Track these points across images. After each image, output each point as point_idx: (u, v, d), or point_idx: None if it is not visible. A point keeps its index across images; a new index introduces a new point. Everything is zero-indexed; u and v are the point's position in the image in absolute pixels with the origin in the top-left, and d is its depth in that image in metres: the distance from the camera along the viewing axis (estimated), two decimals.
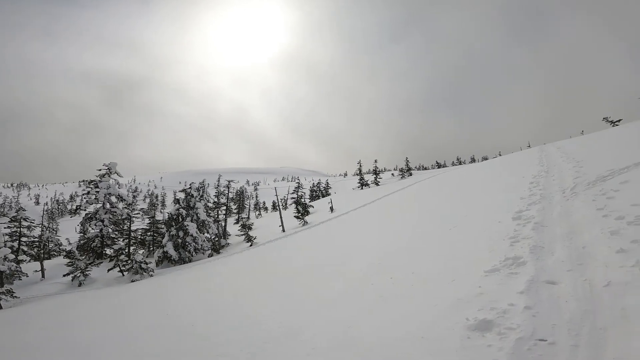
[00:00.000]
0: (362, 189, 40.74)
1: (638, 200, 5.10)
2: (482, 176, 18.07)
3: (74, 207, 24.73)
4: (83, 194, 23.69)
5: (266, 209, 67.12)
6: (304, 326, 4.97)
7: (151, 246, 25.64)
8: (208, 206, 28.47)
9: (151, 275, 17.56)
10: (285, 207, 49.99)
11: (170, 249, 20.81)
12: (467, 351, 3.00)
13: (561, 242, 4.77)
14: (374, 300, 5.16)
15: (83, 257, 19.68)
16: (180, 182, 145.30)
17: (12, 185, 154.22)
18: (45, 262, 21.39)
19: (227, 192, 31.72)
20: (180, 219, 22.25)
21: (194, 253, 21.39)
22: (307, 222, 23.91)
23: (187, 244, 21.29)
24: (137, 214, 26.13)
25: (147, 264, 17.83)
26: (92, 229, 23.35)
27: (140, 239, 25.80)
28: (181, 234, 21.32)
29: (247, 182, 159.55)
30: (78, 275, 17.82)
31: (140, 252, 24.56)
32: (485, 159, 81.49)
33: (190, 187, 23.99)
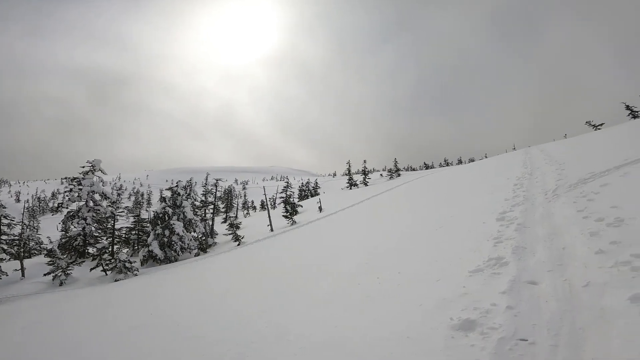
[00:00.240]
0: (350, 189, 40.88)
1: (617, 203, 5.23)
2: (468, 177, 18.36)
3: (56, 205, 24.03)
4: (65, 192, 23.06)
5: (255, 208, 66.77)
6: (292, 326, 4.95)
7: (136, 245, 25.17)
8: (195, 205, 28.11)
9: (135, 275, 17.24)
10: (274, 207, 49.78)
11: (155, 248, 20.46)
12: (451, 351, 3.03)
13: (542, 243, 4.88)
14: (361, 300, 5.18)
15: (64, 256, 19.17)
16: (167, 180, 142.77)
17: None
18: (26, 261, 20.77)
19: (215, 190, 31.38)
20: (167, 218, 21.90)
21: (180, 252, 21.09)
22: (295, 222, 23.86)
23: (173, 243, 20.97)
24: (121, 212, 25.59)
25: (131, 263, 17.51)
26: (75, 227, 22.77)
27: (124, 237, 25.30)
28: (167, 232, 20.99)
29: (236, 180, 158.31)
30: (59, 274, 17.38)
31: (125, 251, 24.09)
32: (472, 160, 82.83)
33: (177, 185, 23.63)
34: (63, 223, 23.93)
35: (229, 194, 57.49)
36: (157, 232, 21.09)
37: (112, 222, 23.87)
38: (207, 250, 23.40)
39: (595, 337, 2.67)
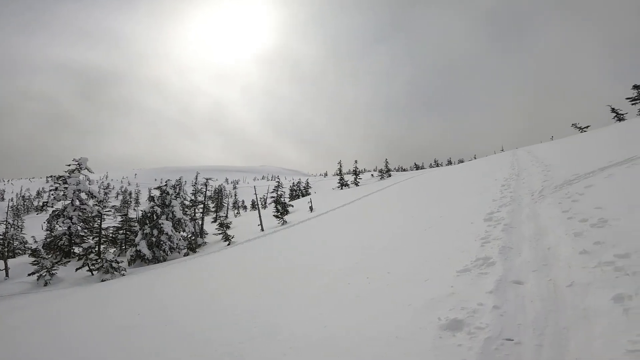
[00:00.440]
0: (342, 189, 40.96)
1: (601, 204, 5.34)
2: (458, 178, 18.56)
3: (41, 204, 23.50)
4: (51, 190, 22.56)
5: (245, 207, 66.38)
6: (281, 325, 4.93)
7: (123, 245, 24.78)
8: (185, 204, 27.82)
9: (123, 275, 16.98)
10: (265, 206, 49.56)
11: (143, 247, 20.17)
12: (439, 351, 3.05)
13: (528, 243, 4.95)
14: (351, 300, 5.18)
15: (49, 256, 18.76)
16: (156, 179, 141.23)
17: None
18: (10, 261, 20.29)
19: (205, 190, 31.09)
20: (155, 217, 21.61)
21: (169, 252, 20.83)
22: (286, 222, 23.80)
23: (161, 242, 20.71)
24: (108, 211, 25.15)
25: (118, 263, 17.23)
26: (60, 226, 22.30)
27: (111, 237, 24.89)
28: (155, 232, 20.71)
29: (226, 180, 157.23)
30: (44, 274, 17.02)
31: (112, 250, 23.72)
32: (461, 161, 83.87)
33: (166, 185, 23.35)
34: (48, 222, 23.45)
35: (219, 194, 57.07)
36: (145, 231, 20.79)
37: (99, 221, 23.49)
38: (197, 250, 23.18)
39: (579, 337, 2.70)
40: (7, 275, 18.37)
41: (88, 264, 17.78)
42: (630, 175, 6.57)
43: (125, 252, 23.16)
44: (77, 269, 17.88)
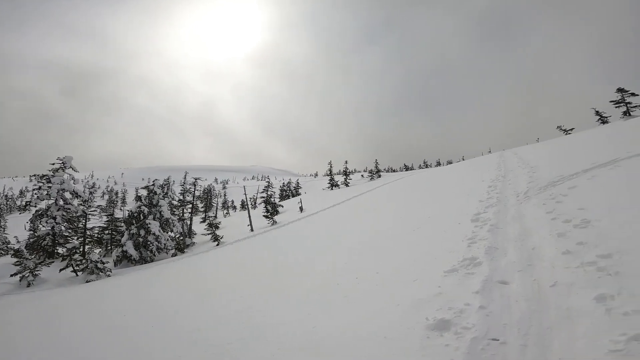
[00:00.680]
0: (332, 189, 41.03)
1: (584, 205, 5.46)
2: (446, 179, 18.78)
3: (24, 203, 22.90)
4: (34, 189, 21.98)
5: (235, 208, 65.85)
6: (270, 326, 4.91)
7: (109, 245, 24.31)
8: (173, 204, 27.44)
9: (108, 276, 16.64)
10: (255, 207, 49.27)
11: (130, 248, 19.81)
12: (427, 350, 3.07)
13: (514, 244, 5.03)
14: (340, 301, 5.19)
15: (32, 256, 18.27)
16: (143, 179, 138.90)
17: None
18: None
19: (193, 189, 30.73)
20: (142, 217, 21.25)
21: (156, 252, 20.51)
22: (276, 222, 23.70)
23: (149, 243, 20.37)
24: (93, 211, 24.62)
25: (104, 263, 16.88)
26: (43, 226, 21.73)
27: (97, 237, 24.37)
28: (142, 232, 20.36)
29: (216, 180, 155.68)
30: (27, 275, 16.57)
31: (97, 251, 23.22)
32: (450, 162, 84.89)
33: (153, 184, 22.97)
34: (31, 222, 22.82)
35: (208, 193, 56.47)
36: (131, 231, 20.43)
37: (84, 221, 22.98)
38: (185, 250, 22.88)
39: (562, 337, 2.74)
40: None
41: (72, 264, 17.37)
42: (612, 176, 6.74)
43: (111, 252, 22.70)
44: (60, 270, 17.45)
